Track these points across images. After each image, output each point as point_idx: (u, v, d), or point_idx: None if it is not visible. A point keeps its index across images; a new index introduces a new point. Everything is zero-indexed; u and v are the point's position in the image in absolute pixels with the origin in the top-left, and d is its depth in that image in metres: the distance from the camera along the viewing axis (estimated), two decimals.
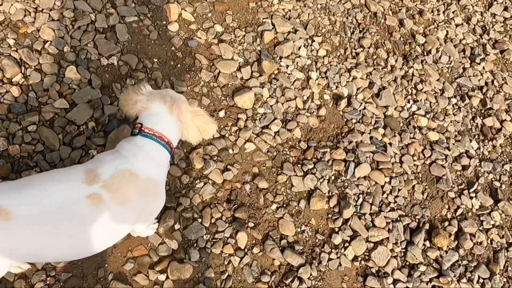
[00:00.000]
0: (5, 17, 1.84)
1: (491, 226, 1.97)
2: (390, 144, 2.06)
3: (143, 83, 1.35)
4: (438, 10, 2.69)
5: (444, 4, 2.75)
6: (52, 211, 1.02)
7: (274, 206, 1.78)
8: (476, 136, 2.25)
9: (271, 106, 2.01)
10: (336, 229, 1.79)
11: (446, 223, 1.92)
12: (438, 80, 2.38)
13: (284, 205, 1.80)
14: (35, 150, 1.61)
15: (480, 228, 1.95)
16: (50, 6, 1.92)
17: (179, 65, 1.99)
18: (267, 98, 2.03)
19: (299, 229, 1.76)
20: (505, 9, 2.88)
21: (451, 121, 2.24)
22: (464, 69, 2.49)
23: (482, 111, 2.35)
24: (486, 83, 2.47)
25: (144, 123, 1.25)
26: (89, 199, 1.06)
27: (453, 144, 2.16)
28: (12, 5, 1.86)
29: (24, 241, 1.02)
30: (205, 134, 1.38)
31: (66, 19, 1.91)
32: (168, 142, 1.26)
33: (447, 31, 2.60)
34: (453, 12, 2.71)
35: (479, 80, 2.46)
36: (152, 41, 2.01)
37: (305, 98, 2.10)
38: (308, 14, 2.36)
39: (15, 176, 1.53)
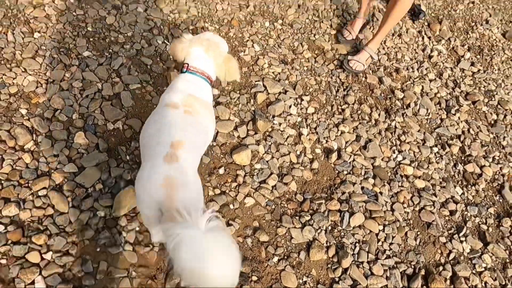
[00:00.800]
0: (18, 89, 2.03)
1: (483, 269, 2.09)
2: (381, 193, 2.22)
3: (184, 33, 1.78)
4: (412, 68, 3.02)
5: (417, 62, 3.09)
6: (186, 127, 1.51)
7: (275, 259, 1.87)
8: (460, 182, 2.44)
9: (267, 161, 2.18)
10: (336, 279, 1.88)
11: (441, 268, 2.04)
12: (419, 131, 2.62)
13: (285, 257, 1.89)
14: (45, 214, 1.71)
15: (473, 272, 2.07)
16: (60, 77, 2.13)
17: None
18: (263, 154, 2.20)
19: (301, 281, 1.85)
20: (472, 64, 3.24)
21: (435, 169, 2.44)
22: (442, 119, 2.75)
23: (462, 158, 2.57)
24: (463, 132, 2.72)
25: (189, 63, 1.69)
26: (185, 113, 1.55)
27: (439, 190, 2.34)
28: (25, 78, 2.06)
29: (193, 153, 1.50)
30: (229, 77, 1.79)
31: (75, 89, 2.11)
32: (208, 77, 1.72)
33: (422, 86, 2.90)
34: (426, 69, 3.04)
35: (456, 129, 2.71)
36: (154, 105, 2.21)
37: (298, 152, 2.28)
38: (296, 75, 2.63)
39: (26, 240, 1.61)
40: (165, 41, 2.51)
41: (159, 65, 2.38)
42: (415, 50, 3.20)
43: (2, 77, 2.03)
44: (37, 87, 2.06)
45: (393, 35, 3.24)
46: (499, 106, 2.99)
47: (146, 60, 2.37)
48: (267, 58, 2.67)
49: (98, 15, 2.48)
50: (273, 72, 2.59)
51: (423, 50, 3.22)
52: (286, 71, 2.64)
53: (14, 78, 2.05)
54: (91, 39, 2.35)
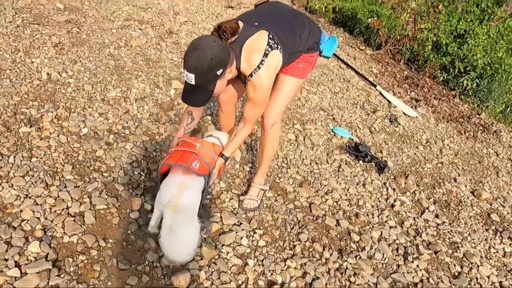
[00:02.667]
0: None
1: None
2: None
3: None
4: (372, 214, 3.28)
5: (378, 209, 3.36)
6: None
7: None
8: None
9: None
10: None
11: None
12: (372, 274, 2.70)
13: None
14: None
15: None
16: (39, 194, 2.55)
17: (129, 246, 2.42)
18: (203, 280, 2.34)
19: None
20: (437, 216, 3.47)
21: None
22: (399, 266, 2.83)
23: None
24: (421, 280, 2.76)
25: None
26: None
27: None
28: (9, 191, 2.50)
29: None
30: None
31: (47, 204, 2.50)
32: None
33: (381, 231, 3.10)
34: (386, 216, 3.29)
35: (413, 277, 2.76)
36: (113, 225, 2.52)
37: (240, 282, 2.39)
38: (253, 212, 2.94)
39: None
40: (141, 172, 3.00)
41: (128, 192, 2.79)
42: (378, 199, 3.51)
43: None
44: (15, 200, 2.46)
45: (357, 184, 3.62)
46: (464, 259, 3.06)
47: (119, 187, 2.80)
48: (230, 193, 3.05)
49: (92, 148, 3.07)
50: (231, 206, 2.93)
51: (386, 200, 3.53)
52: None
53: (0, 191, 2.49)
54: (77, 166, 2.87)
